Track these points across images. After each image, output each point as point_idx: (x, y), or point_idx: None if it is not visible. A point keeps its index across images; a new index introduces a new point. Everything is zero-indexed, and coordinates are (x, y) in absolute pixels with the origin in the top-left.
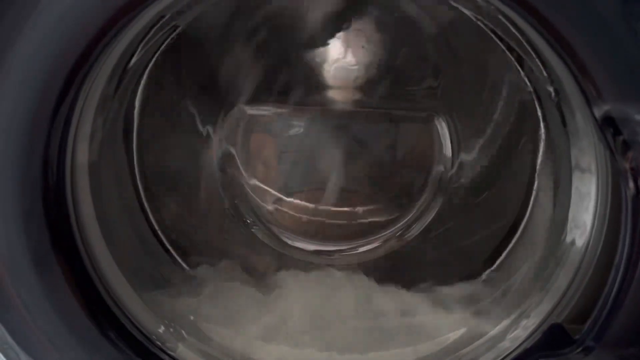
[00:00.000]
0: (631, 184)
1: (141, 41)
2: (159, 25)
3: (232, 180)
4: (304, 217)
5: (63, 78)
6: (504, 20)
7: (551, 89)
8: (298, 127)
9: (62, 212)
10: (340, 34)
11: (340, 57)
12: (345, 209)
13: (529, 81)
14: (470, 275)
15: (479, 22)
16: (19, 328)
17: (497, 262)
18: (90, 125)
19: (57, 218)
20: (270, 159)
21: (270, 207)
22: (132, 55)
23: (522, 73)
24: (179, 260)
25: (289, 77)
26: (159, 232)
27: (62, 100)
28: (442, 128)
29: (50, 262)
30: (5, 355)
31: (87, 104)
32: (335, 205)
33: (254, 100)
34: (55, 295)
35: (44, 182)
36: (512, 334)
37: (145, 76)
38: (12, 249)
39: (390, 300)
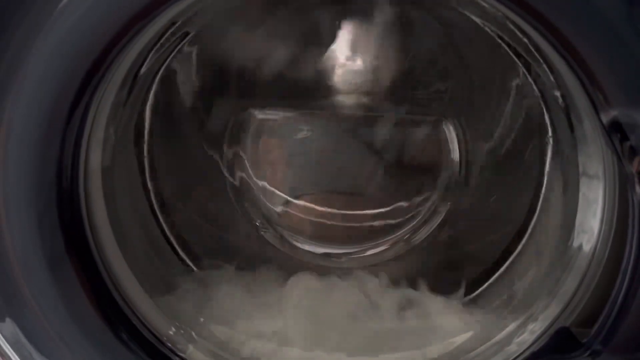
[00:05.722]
0: (638, 189)
1: (152, 48)
2: (170, 32)
3: (241, 184)
4: (313, 220)
5: (76, 85)
6: (511, 26)
7: (558, 94)
8: (307, 131)
9: (76, 215)
10: (349, 39)
11: (348, 62)
12: (354, 212)
13: (536, 86)
14: (478, 278)
15: (486, 28)
16: (32, 328)
17: (505, 266)
18: (103, 131)
19: (70, 221)
20: (279, 163)
21: (279, 211)
22: (144, 62)
23: (529, 78)
24: (190, 263)
25: (298, 81)
26: (170, 236)
27: (75, 106)
28: (450, 132)
29: (64, 264)
30: (19, 354)
31: (100, 111)
32: (344, 209)
33: (264, 104)
34: (69, 297)
35: (58, 187)
36: (519, 338)
37: (156, 83)
38: (26, 250)
39: (398, 303)
